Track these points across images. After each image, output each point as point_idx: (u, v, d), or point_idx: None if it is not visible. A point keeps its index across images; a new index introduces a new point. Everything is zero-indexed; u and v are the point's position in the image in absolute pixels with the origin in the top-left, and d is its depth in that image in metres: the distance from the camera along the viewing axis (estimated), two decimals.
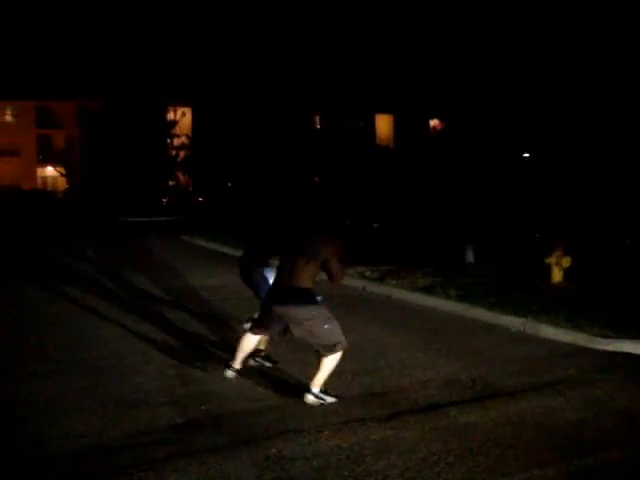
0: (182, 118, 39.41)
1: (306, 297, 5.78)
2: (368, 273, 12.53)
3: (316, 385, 5.79)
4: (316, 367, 5.83)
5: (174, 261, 15.52)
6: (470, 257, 13.11)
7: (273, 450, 4.78)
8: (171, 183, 42.51)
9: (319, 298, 5.84)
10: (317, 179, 33.93)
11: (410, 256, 13.83)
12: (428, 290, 10.78)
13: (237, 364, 6.28)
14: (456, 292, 10.37)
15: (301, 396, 5.82)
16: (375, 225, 20.25)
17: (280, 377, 6.56)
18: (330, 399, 5.79)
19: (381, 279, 12.07)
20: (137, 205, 35.77)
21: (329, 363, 5.77)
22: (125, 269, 13.93)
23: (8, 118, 58.93)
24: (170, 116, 40.08)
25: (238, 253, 9.72)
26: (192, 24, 32.41)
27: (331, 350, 5.72)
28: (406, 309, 10.10)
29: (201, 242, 20.52)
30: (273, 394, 6.07)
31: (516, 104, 19.78)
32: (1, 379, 6.64)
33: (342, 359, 5.99)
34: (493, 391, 6.17)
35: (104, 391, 6.19)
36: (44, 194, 47.25)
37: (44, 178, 57.50)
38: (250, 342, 6.27)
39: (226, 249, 17.71)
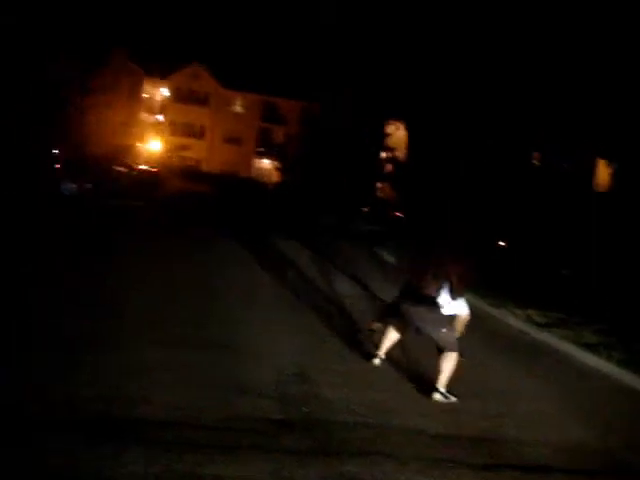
0: (395, 132, 39.80)
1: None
2: (535, 317, 11.84)
3: (442, 385, 6.43)
4: (437, 370, 6.47)
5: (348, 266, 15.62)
6: None
7: (350, 468, 4.61)
8: (379, 195, 43.02)
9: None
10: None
11: (586, 307, 12.87)
12: (591, 348, 9.96)
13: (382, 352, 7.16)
14: (622, 356, 9.49)
15: (406, 419, 5.62)
16: (565, 272, 19.18)
17: (391, 397, 6.33)
18: (454, 399, 6.41)
19: (548, 325, 11.34)
20: (335, 209, 36.58)
21: (450, 362, 6.45)
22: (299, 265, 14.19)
23: (237, 108, 62.83)
24: (385, 129, 40.63)
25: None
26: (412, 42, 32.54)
27: (453, 348, 6.47)
28: (561, 362, 9.39)
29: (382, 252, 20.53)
30: (379, 412, 5.88)
31: None
32: (138, 344, 6.93)
33: (468, 398, 6.24)
34: (620, 467, 5.54)
35: (221, 372, 6.30)
36: (257, 184, 49.76)
37: (259, 169, 60.61)
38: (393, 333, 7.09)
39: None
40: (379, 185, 41.94)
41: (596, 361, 9.41)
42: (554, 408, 6.94)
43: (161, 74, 60.65)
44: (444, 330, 6.56)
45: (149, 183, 37.60)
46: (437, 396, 6.41)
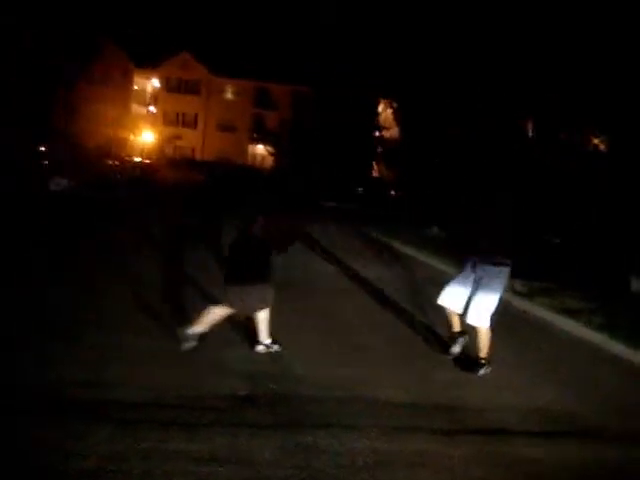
0: (385, 111, 39.69)
1: None
2: (519, 287, 11.87)
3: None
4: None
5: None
6: (635, 286, 12.01)
7: (308, 439, 4.67)
8: (375, 174, 42.96)
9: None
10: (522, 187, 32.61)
11: (572, 275, 12.90)
12: (572, 313, 10.02)
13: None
14: (601, 320, 9.55)
15: (373, 390, 5.80)
16: (557, 240, 19.17)
17: (364, 371, 6.39)
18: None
19: (530, 295, 11.39)
20: (331, 191, 36.56)
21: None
22: None
23: (229, 95, 62.72)
24: (377, 109, 40.52)
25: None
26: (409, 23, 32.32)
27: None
28: (540, 330, 9.45)
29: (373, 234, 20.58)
30: (347, 386, 5.93)
31: None
32: (113, 328, 6.98)
33: (441, 369, 6.33)
34: (583, 430, 5.58)
35: (197, 354, 6.34)
36: (252, 170, 49.76)
37: (254, 156, 60.60)
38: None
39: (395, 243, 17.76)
40: (374, 165, 41.90)
41: (575, 327, 9.47)
42: (527, 375, 6.98)
43: (151, 65, 60.52)
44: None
45: (142, 175, 37.67)
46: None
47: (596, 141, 32.49)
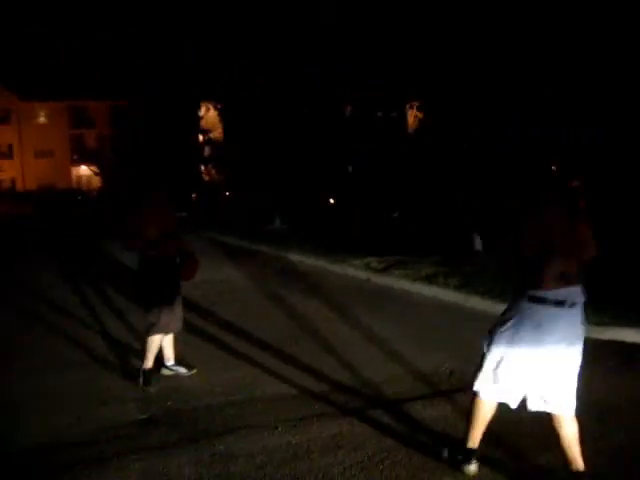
0: (207, 113, 39.50)
1: None
2: (374, 264, 12.35)
3: None
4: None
5: None
6: (478, 245, 12.84)
7: (221, 447, 4.68)
8: (206, 179, 42.61)
9: None
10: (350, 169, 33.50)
11: (421, 245, 13.57)
12: (430, 279, 10.58)
13: None
14: (457, 281, 10.16)
15: (266, 389, 5.85)
16: (395, 214, 19.99)
17: (249, 373, 6.45)
18: None
19: (386, 269, 11.87)
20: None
21: None
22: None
23: (42, 119, 59.93)
24: (198, 112, 40.17)
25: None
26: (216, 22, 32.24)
27: None
28: (405, 300, 9.91)
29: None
30: (240, 389, 5.96)
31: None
32: None
33: (322, 354, 6.38)
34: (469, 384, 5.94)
35: (77, 389, 6.14)
36: (73, 193, 47.94)
37: (79, 177, 58.40)
38: None
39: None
40: (202, 169, 41.53)
41: (436, 291, 10.00)
42: (406, 344, 7.30)
43: None
44: None
45: None
46: None
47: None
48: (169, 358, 6.46)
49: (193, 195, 40.11)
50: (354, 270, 12.18)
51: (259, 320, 8.56)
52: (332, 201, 25.59)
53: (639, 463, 4.39)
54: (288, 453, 4.55)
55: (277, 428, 4.98)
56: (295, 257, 14.14)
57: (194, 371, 6.43)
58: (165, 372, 6.42)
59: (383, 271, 11.87)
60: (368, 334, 7.78)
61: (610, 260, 10.44)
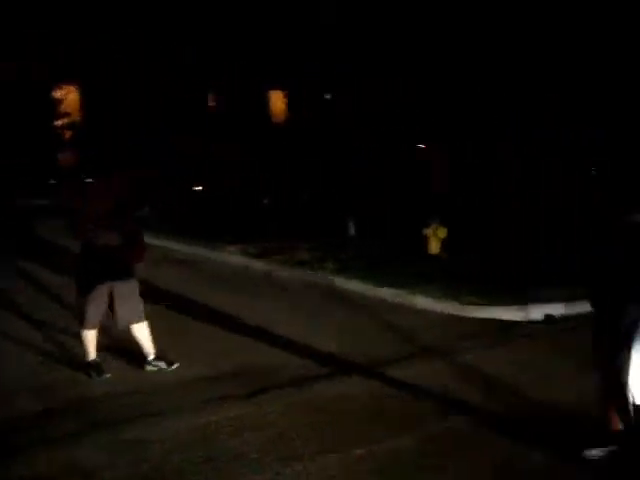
0: (67, 96, 38.00)
1: None
2: (251, 250, 12.46)
3: None
4: None
5: None
6: (352, 230, 13.26)
7: (130, 434, 4.71)
8: (66, 164, 40.93)
9: None
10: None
11: (295, 231, 13.82)
12: (307, 265, 10.85)
13: None
14: (335, 266, 10.50)
15: (165, 375, 5.94)
16: (265, 201, 20.15)
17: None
18: None
19: (264, 256, 12.03)
20: (27, 188, 34.31)
21: None
22: None
23: None
24: (55, 95, 38.52)
25: None
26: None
27: None
28: (285, 285, 10.13)
29: None
30: (137, 378, 5.96)
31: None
32: None
33: (218, 338, 6.19)
34: (363, 363, 6.26)
35: None
36: None
37: None
38: None
39: None
40: (61, 155, 39.96)
41: (314, 276, 10.29)
42: (294, 327, 7.50)
43: None
44: None
45: None
46: None
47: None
48: (149, 352, 6.15)
49: (52, 180, 38.56)
50: (232, 257, 12.26)
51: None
52: (200, 188, 25.29)
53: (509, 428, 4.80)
54: (198, 436, 4.65)
55: (183, 413, 5.06)
56: (171, 245, 13.99)
57: (176, 365, 6.12)
58: (148, 368, 6.10)
59: (261, 257, 12.01)
60: (257, 319, 7.90)
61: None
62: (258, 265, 11.59)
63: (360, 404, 5.22)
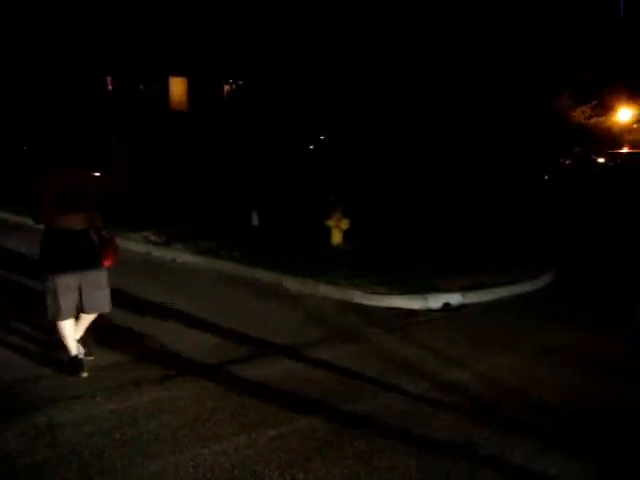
0: None
1: None
2: (153, 237, 12.41)
3: None
4: None
5: None
6: (255, 220, 13.40)
7: (43, 419, 4.73)
8: None
9: None
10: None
11: (199, 220, 13.85)
12: (212, 253, 10.93)
13: None
14: (240, 254, 10.63)
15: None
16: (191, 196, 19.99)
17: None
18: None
19: (167, 243, 12.00)
20: None
21: None
22: None
23: None
24: None
25: None
26: None
27: None
28: (190, 272, 10.18)
29: None
30: (53, 361, 5.91)
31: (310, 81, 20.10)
32: None
33: (126, 324, 6.06)
34: (269, 349, 6.45)
35: None
36: None
37: None
38: None
39: None
40: None
41: (221, 264, 10.39)
42: (200, 314, 7.60)
43: None
44: None
45: None
46: None
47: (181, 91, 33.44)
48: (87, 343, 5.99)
49: None
50: (134, 244, 12.15)
51: None
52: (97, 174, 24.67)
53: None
54: (114, 420, 4.71)
55: (96, 397, 5.11)
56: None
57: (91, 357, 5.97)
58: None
59: (163, 245, 11.99)
60: (161, 306, 7.97)
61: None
62: (161, 253, 11.57)
63: (271, 387, 5.41)
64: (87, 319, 5.88)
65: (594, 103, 25.40)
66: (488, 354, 6.37)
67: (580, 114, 25.62)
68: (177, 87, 45.18)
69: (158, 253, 11.61)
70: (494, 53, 17.78)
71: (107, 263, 5.85)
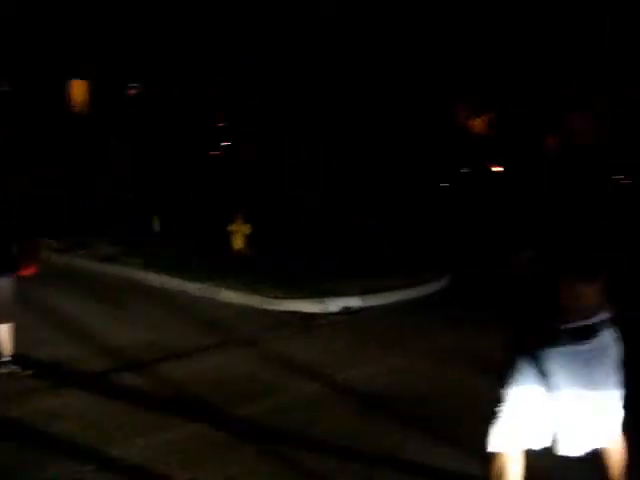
0: None
1: None
2: (53, 244, 12.20)
3: None
4: None
5: None
6: (157, 227, 13.35)
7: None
8: None
9: None
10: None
11: (98, 227, 13.67)
12: (112, 259, 10.86)
13: None
14: (140, 260, 10.60)
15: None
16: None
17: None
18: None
19: (67, 250, 11.83)
20: None
21: None
22: None
23: None
24: None
25: None
26: None
27: None
28: (90, 279, 10.10)
29: None
30: None
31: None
32: None
33: (20, 332, 6.03)
34: (170, 354, 6.50)
35: None
36: None
37: None
38: None
39: None
40: None
41: (120, 270, 10.34)
42: (101, 320, 7.61)
43: None
44: None
45: None
46: None
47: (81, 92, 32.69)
48: (5, 355, 5.77)
49: None
50: None
51: None
52: None
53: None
54: (12, 428, 4.71)
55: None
56: None
57: (29, 372, 5.78)
58: (1, 370, 5.73)
59: (64, 251, 11.81)
60: (62, 312, 7.91)
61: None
62: (61, 259, 11.40)
63: (166, 392, 5.49)
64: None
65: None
66: (381, 355, 6.62)
67: (480, 124, 26.48)
68: (78, 90, 44.04)
69: (58, 259, 11.42)
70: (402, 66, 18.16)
71: (23, 270, 5.68)
